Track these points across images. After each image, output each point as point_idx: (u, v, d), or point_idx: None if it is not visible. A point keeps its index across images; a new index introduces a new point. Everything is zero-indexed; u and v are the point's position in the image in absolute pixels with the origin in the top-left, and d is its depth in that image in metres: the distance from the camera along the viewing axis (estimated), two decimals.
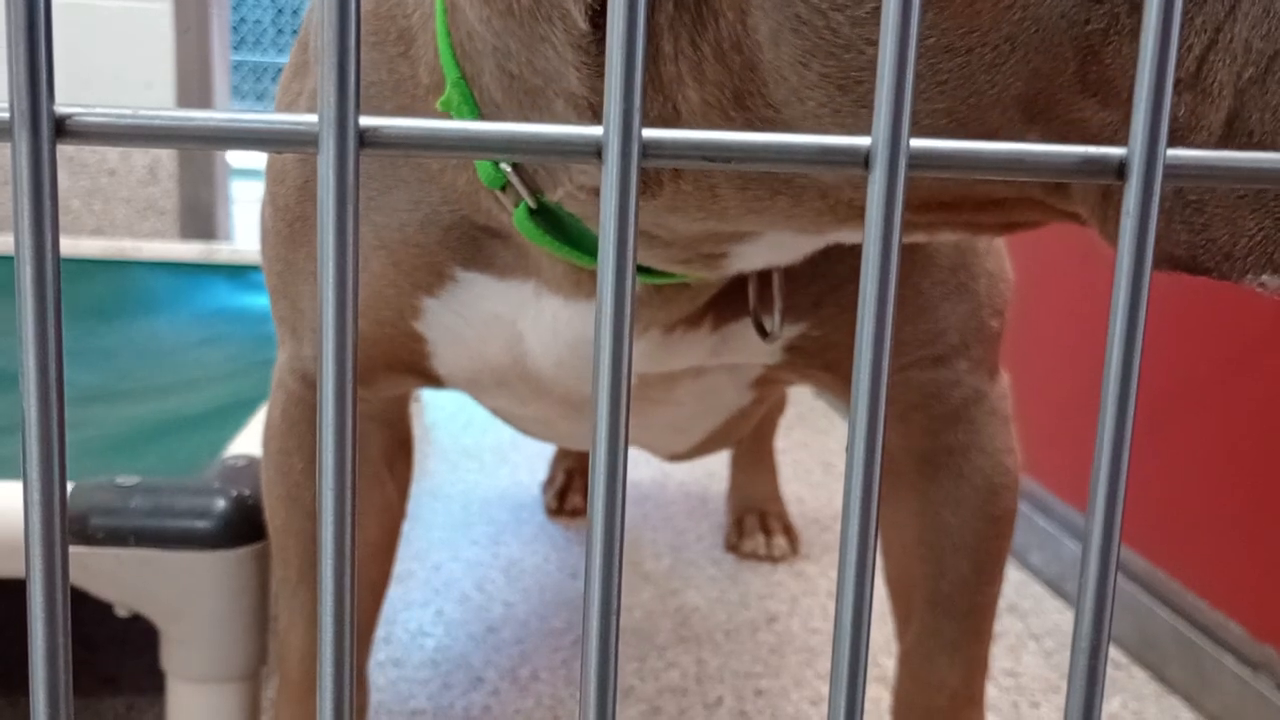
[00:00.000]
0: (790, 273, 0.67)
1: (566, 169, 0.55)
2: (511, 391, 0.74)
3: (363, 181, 0.67)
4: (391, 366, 0.74)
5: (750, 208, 0.52)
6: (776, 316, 0.67)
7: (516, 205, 0.59)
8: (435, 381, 0.76)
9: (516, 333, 0.69)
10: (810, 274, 0.67)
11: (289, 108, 0.72)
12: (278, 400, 0.80)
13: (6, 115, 0.24)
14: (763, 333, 0.67)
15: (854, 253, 0.67)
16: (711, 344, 0.70)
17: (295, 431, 0.79)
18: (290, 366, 0.78)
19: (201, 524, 0.86)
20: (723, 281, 0.66)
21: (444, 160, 0.64)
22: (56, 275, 0.24)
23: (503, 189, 0.59)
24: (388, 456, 0.84)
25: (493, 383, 0.73)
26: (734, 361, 0.72)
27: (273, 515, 0.83)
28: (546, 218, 0.59)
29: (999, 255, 0.75)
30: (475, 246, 0.66)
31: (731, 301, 0.68)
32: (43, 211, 0.24)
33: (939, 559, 0.79)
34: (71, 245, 1.83)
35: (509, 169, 0.57)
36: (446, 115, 0.59)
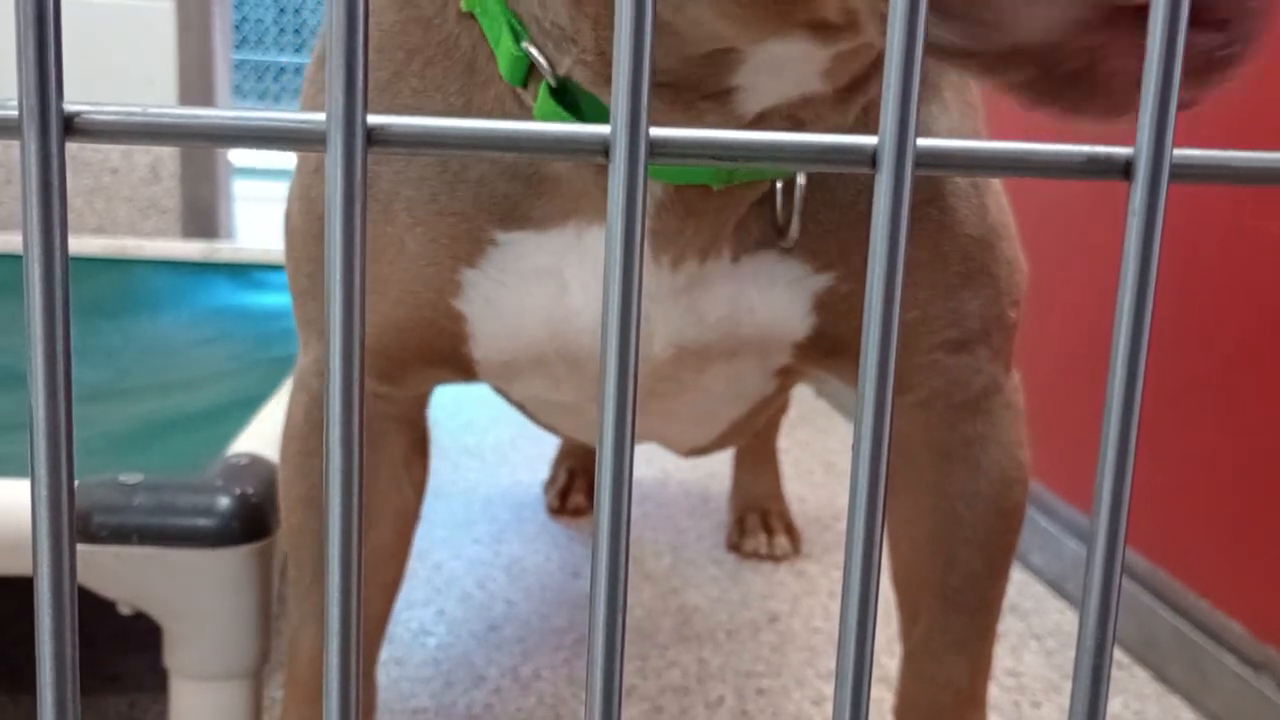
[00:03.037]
0: (821, 218, 0.66)
1: (574, 38, 0.57)
2: (547, 371, 0.73)
3: (387, 159, 0.68)
4: (427, 357, 0.73)
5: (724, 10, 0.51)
6: (795, 218, 0.66)
7: (537, 101, 0.60)
8: (468, 370, 0.75)
9: (561, 284, 0.67)
10: (839, 220, 0.67)
11: (314, 98, 0.73)
12: (300, 402, 0.80)
13: (15, 113, 0.24)
14: (780, 234, 0.66)
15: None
16: (736, 283, 0.68)
17: (318, 433, 0.79)
18: (316, 369, 0.77)
19: (204, 522, 0.86)
20: (753, 195, 0.65)
21: (465, 90, 0.64)
22: (65, 273, 0.24)
23: (524, 86, 0.60)
24: (407, 459, 0.83)
25: (529, 361, 0.72)
26: (763, 324, 0.71)
27: (289, 515, 0.82)
28: (565, 101, 0.59)
29: (1016, 244, 0.75)
30: (510, 204, 0.66)
31: (749, 233, 0.67)
32: (51, 209, 0.24)
33: (951, 553, 0.79)
34: (74, 244, 1.84)
35: (530, 46, 0.58)
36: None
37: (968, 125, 0.73)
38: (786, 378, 0.80)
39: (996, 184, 0.74)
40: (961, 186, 0.70)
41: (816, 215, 0.66)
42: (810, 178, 0.66)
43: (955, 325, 0.72)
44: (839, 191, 0.67)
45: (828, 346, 0.72)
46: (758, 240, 0.67)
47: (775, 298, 0.69)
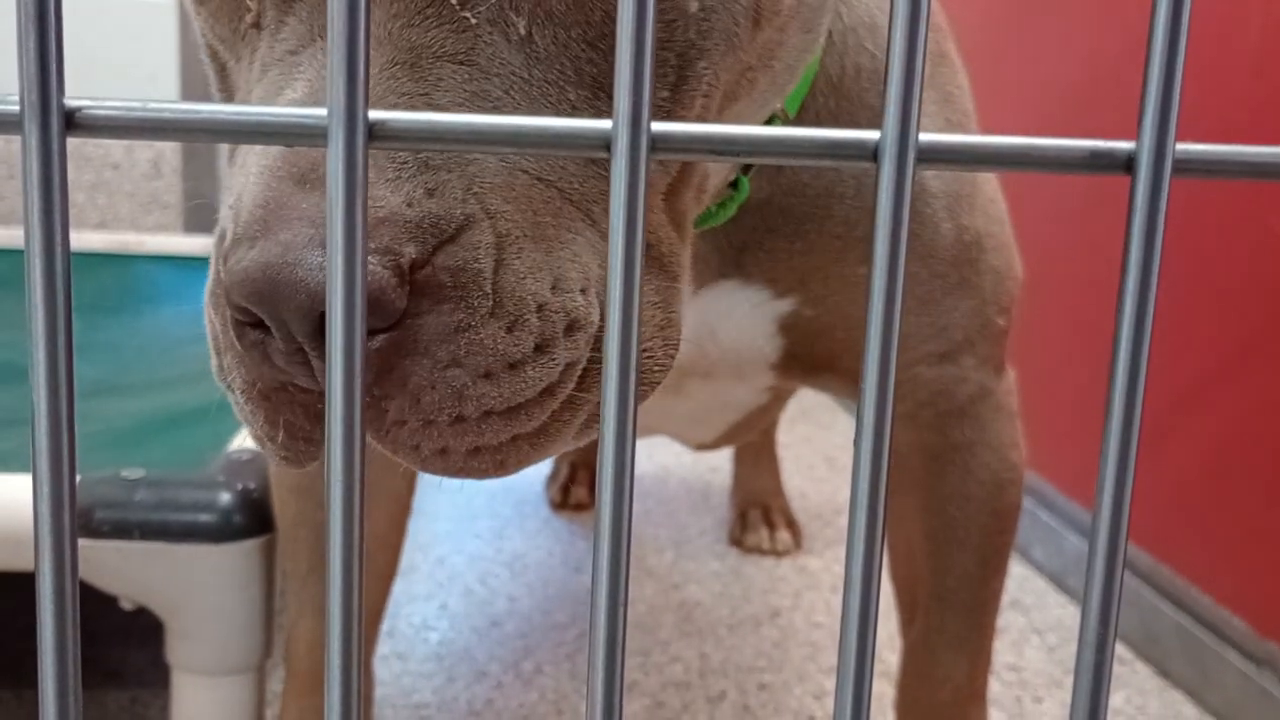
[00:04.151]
0: (769, 248, 0.68)
1: None
2: None
3: None
4: None
5: None
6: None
7: None
8: None
9: None
10: (789, 249, 0.68)
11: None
12: None
13: (17, 108, 0.24)
14: (737, 265, 0.68)
15: (835, 234, 0.67)
16: (695, 311, 0.69)
17: None
18: None
19: (206, 517, 0.86)
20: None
21: None
22: (67, 268, 0.24)
23: None
24: None
25: None
26: (727, 348, 0.72)
27: (282, 506, 0.83)
28: None
29: (1007, 252, 0.75)
30: None
31: (708, 266, 0.68)
32: (53, 204, 0.24)
33: (945, 554, 0.79)
34: (76, 239, 1.83)
35: None
36: None
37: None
38: (777, 390, 0.81)
39: (985, 194, 0.74)
40: (931, 209, 0.70)
41: (764, 244, 0.67)
42: (752, 213, 0.67)
43: (934, 339, 0.73)
44: (781, 224, 0.68)
45: (804, 365, 0.73)
46: (718, 272, 0.68)
47: (737, 322, 0.71)
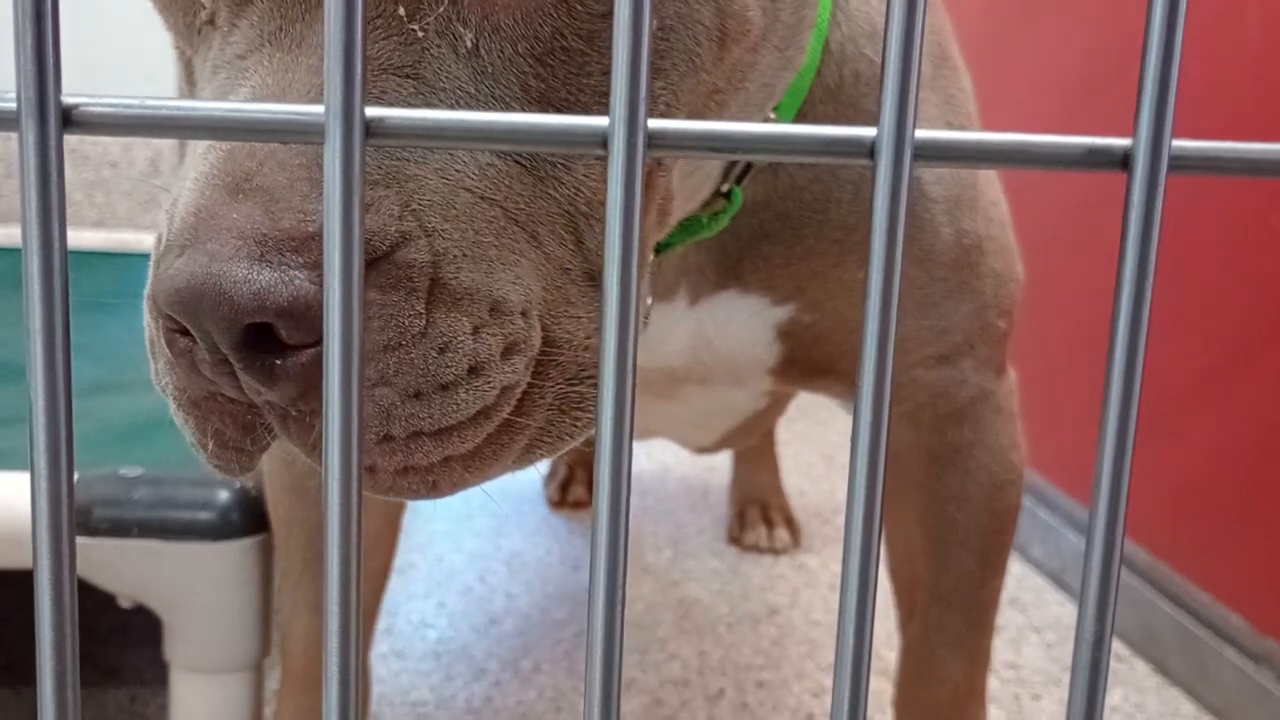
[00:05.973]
0: (766, 254, 0.68)
1: None
2: None
3: None
4: None
5: None
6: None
7: None
8: None
9: None
10: (786, 255, 0.68)
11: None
12: None
13: (14, 105, 0.24)
14: (735, 275, 0.68)
15: (833, 239, 0.67)
16: (693, 322, 0.69)
17: None
18: None
19: (204, 515, 0.86)
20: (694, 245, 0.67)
21: None
22: (64, 265, 0.24)
23: None
24: None
25: None
26: (723, 355, 0.72)
27: (275, 505, 0.83)
28: None
29: (1008, 254, 0.75)
30: None
31: (706, 278, 0.68)
32: (50, 202, 0.24)
33: (944, 554, 0.79)
34: (73, 237, 1.83)
35: None
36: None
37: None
38: (775, 394, 0.81)
39: (987, 197, 0.74)
40: (930, 213, 0.70)
41: (761, 251, 0.68)
42: (749, 220, 0.67)
43: (934, 342, 0.73)
44: (778, 229, 0.68)
45: (803, 370, 0.73)
46: (716, 284, 0.68)
47: (735, 330, 0.71)
